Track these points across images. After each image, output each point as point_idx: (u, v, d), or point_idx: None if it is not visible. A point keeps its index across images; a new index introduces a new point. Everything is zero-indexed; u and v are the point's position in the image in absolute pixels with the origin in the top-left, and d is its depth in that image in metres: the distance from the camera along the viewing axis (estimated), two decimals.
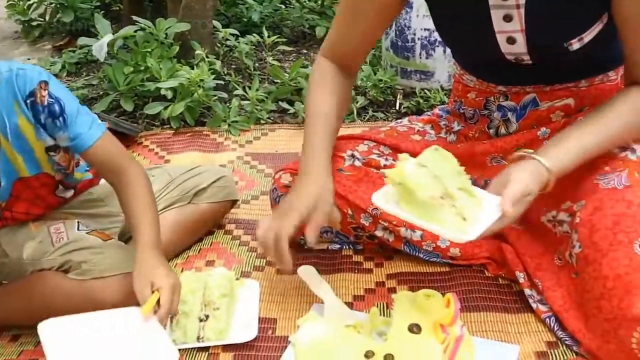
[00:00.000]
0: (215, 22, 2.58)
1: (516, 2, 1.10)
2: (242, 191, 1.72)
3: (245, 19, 3.00)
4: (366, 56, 1.37)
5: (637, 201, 1.08)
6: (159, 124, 2.17)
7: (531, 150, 1.11)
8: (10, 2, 3.33)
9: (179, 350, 1.11)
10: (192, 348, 1.14)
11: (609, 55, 1.19)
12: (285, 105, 2.22)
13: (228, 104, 2.21)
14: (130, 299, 1.15)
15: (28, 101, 1.15)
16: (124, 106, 2.18)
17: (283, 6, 3.14)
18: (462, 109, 1.40)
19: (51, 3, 3.23)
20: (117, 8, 3.32)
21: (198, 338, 1.14)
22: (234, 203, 1.56)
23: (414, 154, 1.07)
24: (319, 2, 3.11)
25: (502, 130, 1.33)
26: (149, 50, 2.24)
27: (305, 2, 3.14)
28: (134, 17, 2.35)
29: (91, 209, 1.38)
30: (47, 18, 3.31)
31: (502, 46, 1.17)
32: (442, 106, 1.50)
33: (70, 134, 1.19)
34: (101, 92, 2.39)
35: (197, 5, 2.44)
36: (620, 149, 1.17)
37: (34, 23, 3.31)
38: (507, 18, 1.12)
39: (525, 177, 1.04)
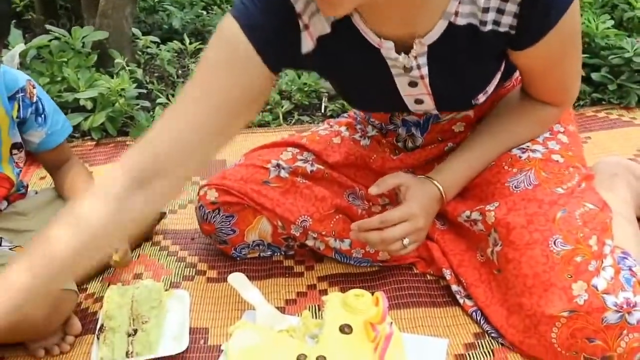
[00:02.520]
0: (134, 30, 2.53)
1: (419, 74, 1.09)
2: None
3: (166, 26, 2.95)
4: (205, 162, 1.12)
5: (547, 199, 1.13)
6: (79, 135, 2.10)
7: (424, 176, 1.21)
8: None
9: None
10: None
11: (504, 75, 1.22)
12: None
13: (151, 113, 2.17)
14: (54, 317, 1.11)
15: (18, 96, 1.25)
16: None
17: (205, 12, 3.11)
18: (371, 120, 1.42)
19: None
20: (30, 17, 3.19)
21: (127, 354, 1.11)
22: (162, 216, 1.53)
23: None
24: None
25: (410, 144, 1.36)
26: (65, 60, 2.17)
27: (227, 8, 3.12)
28: (48, 26, 2.26)
29: (14, 224, 1.33)
30: None
31: (409, 105, 1.20)
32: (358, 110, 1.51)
33: (49, 130, 1.33)
34: None
35: (114, 13, 2.38)
36: (520, 150, 1.23)
37: None
38: (413, 84, 1.13)
39: (417, 202, 1.16)
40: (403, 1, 0.97)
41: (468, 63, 1.08)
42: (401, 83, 1.13)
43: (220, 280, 1.35)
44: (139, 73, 2.31)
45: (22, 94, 1.27)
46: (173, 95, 2.20)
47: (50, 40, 2.20)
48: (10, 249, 1.22)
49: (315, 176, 1.35)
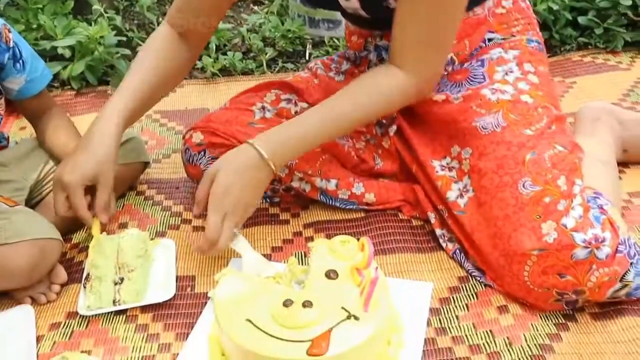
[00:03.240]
0: None
1: None
2: (153, 150, 1.67)
3: None
4: (214, 28, 1.30)
5: (515, 141, 1.14)
6: (58, 85, 2.05)
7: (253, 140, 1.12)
8: None
9: (95, 315, 1.09)
10: (108, 312, 1.12)
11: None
12: None
13: (130, 61, 2.12)
14: (40, 266, 1.11)
15: None
16: None
17: None
18: (347, 53, 1.43)
19: None
20: None
21: (114, 302, 1.11)
22: (145, 165, 1.51)
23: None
24: None
25: None
26: (41, 6, 2.10)
27: None
28: None
29: None
30: None
31: (341, 1, 1.21)
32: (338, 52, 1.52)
33: (28, 77, 1.30)
34: None
35: None
36: (490, 91, 1.22)
37: None
38: None
39: (229, 179, 1.08)
40: None
41: None
42: None
43: None
44: (118, 20, 2.24)
45: None
46: None
47: None
48: None
49: None
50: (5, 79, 1.28)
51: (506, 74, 1.25)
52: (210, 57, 2.12)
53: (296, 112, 1.33)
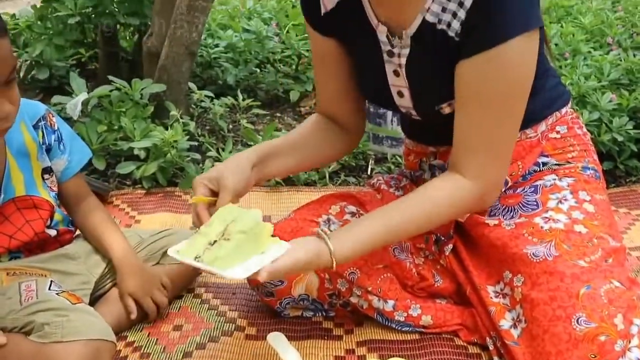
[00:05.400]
0: (190, 84, 2.61)
1: (398, 62, 1.18)
2: None
3: (220, 82, 3.04)
4: (355, 112, 1.36)
5: (568, 272, 1.11)
6: (130, 183, 2.16)
7: (327, 231, 1.14)
8: None
9: (178, 262, 1.11)
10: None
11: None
12: None
13: (201, 165, 2.22)
14: None
15: (40, 124, 1.32)
16: (96, 165, 2.16)
17: (258, 70, 3.19)
18: (404, 172, 1.48)
19: (26, 60, 3.24)
20: (93, 67, 3.34)
21: (196, 257, 1.08)
22: None
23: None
24: (294, 67, 3.18)
25: None
26: (124, 110, 2.25)
27: (280, 66, 3.20)
28: (110, 77, 2.36)
29: (64, 266, 1.36)
30: (21, 75, 3.31)
31: (395, 98, 1.24)
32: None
33: (69, 157, 1.38)
34: None
35: (173, 67, 2.47)
36: (543, 219, 1.21)
37: None
38: (396, 73, 1.20)
39: (299, 256, 1.08)
40: None
41: (434, 63, 1.13)
42: (389, 70, 1.20)
43: (259, 337, 1.34)
44: (192, 126, 2.37)
45: (44, 122, 1.33)
46: (223, 150, 2.25)
47: (111, 91, 2.29)
48: (57, 293, 1.23)
49: None
50: (52, 159, 1.36)
51: (560, 202, 1.24)
52: None
53: None
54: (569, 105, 1.35)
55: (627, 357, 1.00)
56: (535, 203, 1.25)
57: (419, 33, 1.12)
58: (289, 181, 2.18)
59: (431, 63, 1.14)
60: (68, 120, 2.67)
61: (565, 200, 1.24)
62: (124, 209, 1.99)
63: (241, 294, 1.51)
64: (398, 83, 1.21)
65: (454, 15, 1.06)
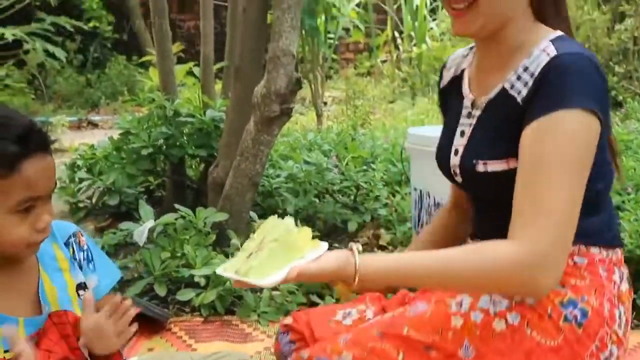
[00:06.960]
0: (251, 213, 2.69)
1: (469, 122, 1.23)
2: None
3: (280, 211, 3.11)
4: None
5: None
6: (189, 310, 2.18)
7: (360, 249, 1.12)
8: (62, 186, 3.54)
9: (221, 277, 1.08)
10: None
11: None
12: (315, 298, 2.22)
13: (259, 294, 2.23)
14: None
15: (71, 240, 1.33)
16: (158, 291, 2.21)
17: (317, 200, 3.27)
18: None
19: (99, 187, 3.43)
20: (160, 194, 3.50)
21: (236, 271, 1.08)
22: None
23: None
24: (352, 198, 3.24)
25: None
26: (187, 237, 2.32)
27: (338, 197, 3.27)
28: (176, 205, 2.47)
29: None
30: (93, 200, 3.49)
31: (451, 157, 1.26)
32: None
33: (99, 276, 1.36)
34: (136, 275, 2.44)
35: (237, 197, 2.57)
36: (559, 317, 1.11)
37: (81, 204, 3.48)
38: (462, 134, 1.24)
39: (330, 260, 1.08)
40: (498, 67, 1.18)
41: (496, 125, 1.17)
42: (458, 130, 1.25)
43: None
44: None
45: (74, 239, 1.35)
46: None
47: (176, 219, 2.38)
48: None
49: None
50: (85, 275, 1.35)
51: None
52: (333, 297, 2.18)
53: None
54: (612, 255, 1.19)
55: None
56: None
57: (495, 99, 1.18)
58: None
59: (493, 125, 1.18)
60: (133, 245, 2.78)
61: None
62: (182, 337, 2.00)
63: None
64: (459, 142, 1.24)
65: (525, 84, 1.12)
